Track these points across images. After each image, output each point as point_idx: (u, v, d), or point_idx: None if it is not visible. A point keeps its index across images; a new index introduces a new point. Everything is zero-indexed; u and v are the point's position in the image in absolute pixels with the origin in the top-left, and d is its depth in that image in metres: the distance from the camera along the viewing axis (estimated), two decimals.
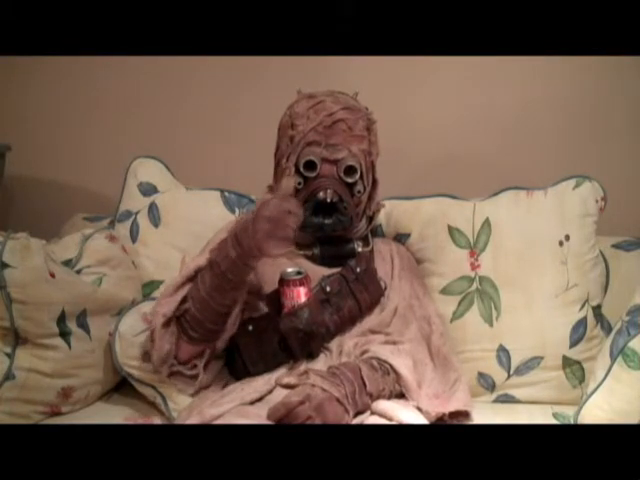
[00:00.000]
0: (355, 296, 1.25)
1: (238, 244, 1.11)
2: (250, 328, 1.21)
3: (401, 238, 1.49)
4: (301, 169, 1.25)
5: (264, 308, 1.24)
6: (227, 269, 1.13)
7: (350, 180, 1.26)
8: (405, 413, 1.10)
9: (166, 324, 1.18)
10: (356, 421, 1.11)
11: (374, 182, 1.34)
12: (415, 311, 1.30)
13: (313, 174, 1.25)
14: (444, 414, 1.16)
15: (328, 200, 1.24)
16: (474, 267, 1.44)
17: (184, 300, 1.18)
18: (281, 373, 1.18)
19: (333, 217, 1.25)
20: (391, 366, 1.19)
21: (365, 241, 1.37)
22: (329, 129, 1.25)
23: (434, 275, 1.45)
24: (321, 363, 1.19)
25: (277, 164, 1.33)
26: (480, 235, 1.45)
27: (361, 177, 1.28)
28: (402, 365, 1.19)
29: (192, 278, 1.19)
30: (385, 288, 1.31)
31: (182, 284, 1.19)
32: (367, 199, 1.34)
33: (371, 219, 1.39)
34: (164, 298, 1.20)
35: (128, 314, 1.34)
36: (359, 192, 1.29)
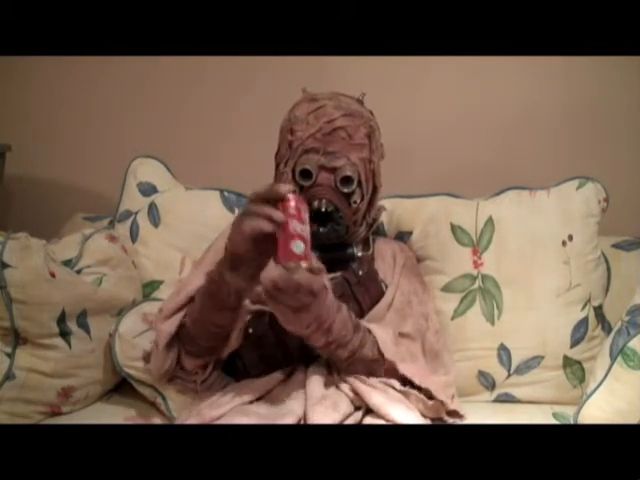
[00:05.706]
0: (357, 299, 1.24)
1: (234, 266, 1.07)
2: (250, 331, 1.21)
3: (403, 236, 1.48)
4: (297, 178, 1.24)
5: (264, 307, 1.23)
6: (219, 289, 1.10)
7: (346, 190, 1.24)
8: (396, 410, 1.09)
9: (169, 343, 1.19)
10: (352, 421, 1.10)
11: (375, 189, 1.33)
12: (413, 307, 1.29)
13: (309, 183, 1.24)
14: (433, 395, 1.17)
15: (322, 210, 1.22)
16: (477, 265, 1.43)
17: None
18: (281, 374, 1.17)
19: (328, 226, 1.24)
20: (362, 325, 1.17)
21: (365, 244, 1.36)
22: (328, 136, 1.23)
23: (436, 272, 1.45)
24: (322, 364, 1.18)
25: (277, 166, 1.33)
26: (483, 233, 1.45)
27: (360, 186, 1.27)
28: (376, 329, 1.17)
29: (193, 298, 1.19)
30: (386, 289, 1.30)
31: (183, 305, 1.19)
32: (367, 204, 1.32)
33: (372, 224, 1.37)
34: (165, 319, 1.20)
35: (128, 315, 1.34)
36: (355, 202, 1.27)
